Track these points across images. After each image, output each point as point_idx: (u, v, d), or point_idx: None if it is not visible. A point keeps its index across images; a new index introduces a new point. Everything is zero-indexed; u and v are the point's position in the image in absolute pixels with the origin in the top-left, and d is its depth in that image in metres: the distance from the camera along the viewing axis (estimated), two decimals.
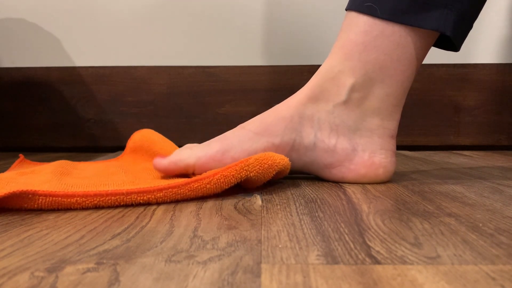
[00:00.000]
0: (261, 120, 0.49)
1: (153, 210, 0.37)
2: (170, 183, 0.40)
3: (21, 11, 0.95)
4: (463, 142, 0.93)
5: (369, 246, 0.27)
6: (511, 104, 0.93)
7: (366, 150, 0.48)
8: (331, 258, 0.25)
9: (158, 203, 0.39)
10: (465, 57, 0.93)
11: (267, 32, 0.94)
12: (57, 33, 0.95)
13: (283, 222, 0.33)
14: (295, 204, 0.39)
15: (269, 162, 0.43)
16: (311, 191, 0.45)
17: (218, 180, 0.40)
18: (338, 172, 0.49)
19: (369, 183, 0.49)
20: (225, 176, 0.41)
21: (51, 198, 0.37)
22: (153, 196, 0.39)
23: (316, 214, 0.35)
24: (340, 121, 0.48)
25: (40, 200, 0.37)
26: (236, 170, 0.41)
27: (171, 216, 0.35)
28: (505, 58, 0.93)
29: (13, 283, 0.21)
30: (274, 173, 0.44)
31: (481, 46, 0.93)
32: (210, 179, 0.40)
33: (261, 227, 0.31)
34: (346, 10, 0.49)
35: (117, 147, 0.93)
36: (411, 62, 0.47)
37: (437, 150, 0.93)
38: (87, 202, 0.37)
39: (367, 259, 0.24)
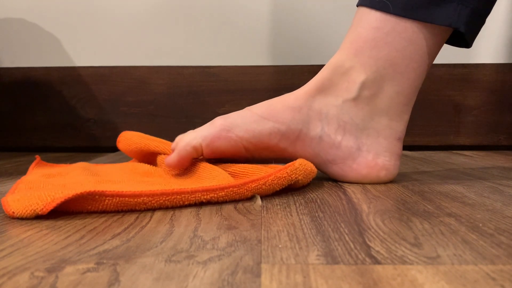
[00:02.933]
0: (268, 105, 0.49)
1: (153, 210, 0.37)
2: (230, 182, 0.40)
3: (21, 11, 0.95)
4: (463, 142, 0.93)
5: (369, 246, 0.26)
6: (511, 104, 0.93)
7: (371, 151, 0.48)
8: (331, 258, 0.25)
9: (218, 203, 0.39)
10: (465, 57, 0.93)
11: (267, 32, 0.94)
12: (57, 33, 0.95)
13: (283, 222, 0.33)
14: (295, 204, 0.39)
15: (309, 167, 0.45)
16: (311, 191, 0.45)
17: (272, 181, 0.42)
18: (340, 170, 0.49)
19: (369, 184, 0.48)
20: (278, 177, 0.42)
21: (118, 198, 0.35)
22: (215, 195, 0.39)
23: (316, 214, 0.35)
24: (349, 118, 0.48)
25: (107, 201, 0.35)
26: (287, 172, 0.42)
27: (171, 216, 0.35)
28: (505, 58, 0.93)
29: (13, 283, 0.21)
30: (311, 178, 0.46)
31: (481, 46, 0.93)
32: (266, 179, 0.41)
33: (261, 227, 0.31)
34: (357, 5, 0.48)
35: (117, 148, 0.93)
36: (423, 60, 0.47)
37: (437, 150, 0.93)
38: (153, 201, 0.36)
39: (367, 259, 0.24)
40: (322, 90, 0.48)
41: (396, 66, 0.46)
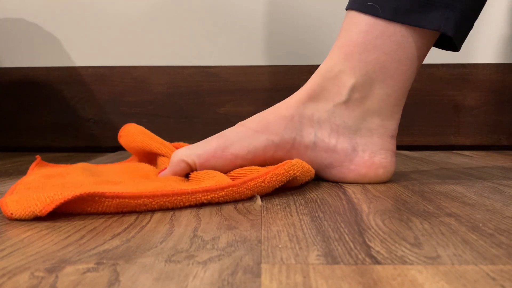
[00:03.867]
0: (260, 118, 0.49)
1: (153, 210, 0.37)
2: (229, 182, 0.40)
3: (21, 11, 0.95)
4: (463, 142, 0.93)
5: (369, 246, 0.27)
6: (511, 104, 0.93)
7: (366, 150, 0.48)
8: (331, 258, 0.25)
9: (219, 203, 0.39)
10: (465, 57, 0.92)
11: (267, 32, 0.94)
12: (57, 33, 0.95)
13: (283, 222, 0.33)
14: (295, 204, 0.39)
15: (306, 165, 0.45)
16: (311, 191, 0.45)
17: (271, 179, 0.41)
18: (338, 172, 0.49)
19: (369, 183, 0.49)
20: (277, 174, 0.42)
21: (118, 200, 0.35)
22: (216, 195, 0.39)
23: (316, 214, 0.35)
24: (341, 121, 0.48)
25: (107, 202, 0.35)
26: (284, 169, 0.42)
27: (171, 216, 0.35)
28: (505, 58, 0.93)
29: (13, 283, 0.21)
30: (309, 177, 0.46)
31: (481, 46, 0.93)
32: (264, 177, 0.41)
33: (261, 227, 0.31)
34: (346, 9, 0.49)
35: (117, 147, 0.93)
36: (412, 62, 0.47)
37: (437, 150, 0.93)
38: (153, 203, 0.36)
39: (367, 259, 0.24)
40: (313, 96, 0.49)
41: (385, 69, 0.47)
